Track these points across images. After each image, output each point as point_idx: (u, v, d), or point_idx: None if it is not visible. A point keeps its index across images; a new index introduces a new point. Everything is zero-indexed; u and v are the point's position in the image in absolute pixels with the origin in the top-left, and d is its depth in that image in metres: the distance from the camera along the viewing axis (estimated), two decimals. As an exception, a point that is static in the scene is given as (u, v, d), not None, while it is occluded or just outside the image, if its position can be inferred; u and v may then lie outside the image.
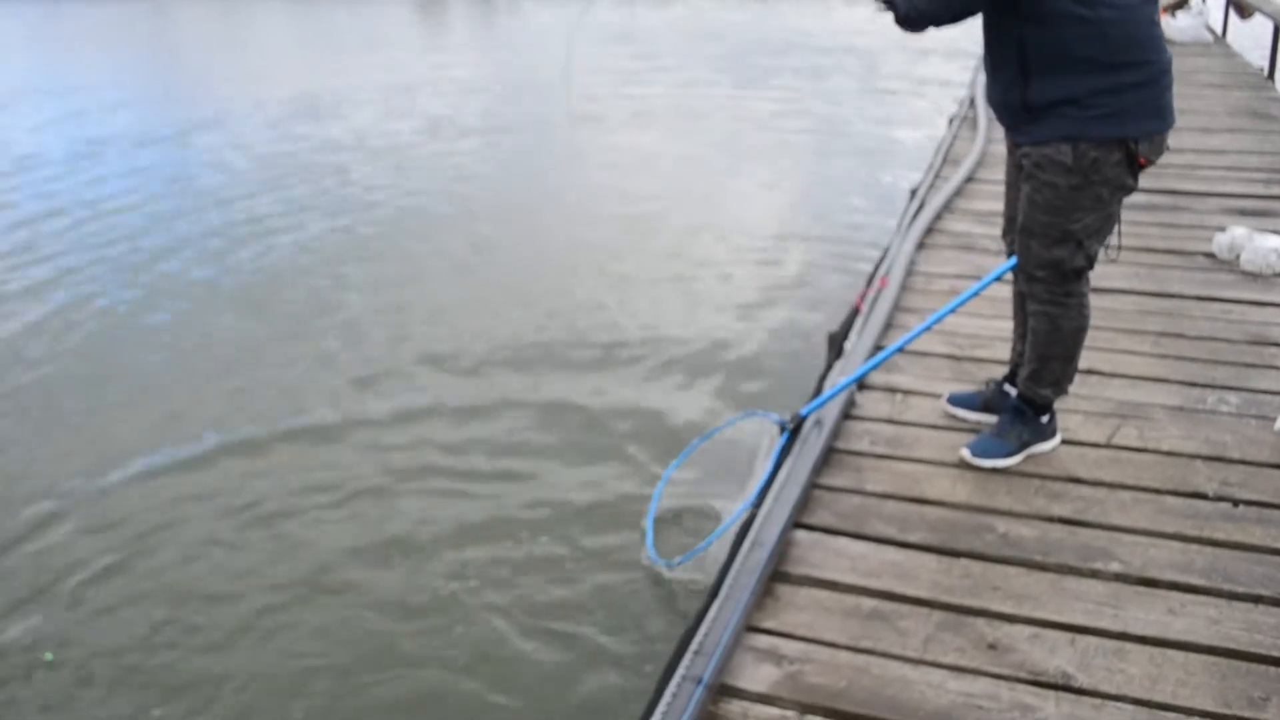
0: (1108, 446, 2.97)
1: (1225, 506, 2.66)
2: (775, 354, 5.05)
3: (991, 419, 3.06)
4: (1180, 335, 3.69)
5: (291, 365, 5.10)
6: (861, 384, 3.35)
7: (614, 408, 4.57)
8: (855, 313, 3.95)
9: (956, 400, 3.18)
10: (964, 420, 3.13)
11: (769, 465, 3.02)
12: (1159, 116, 2.54)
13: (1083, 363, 3.41)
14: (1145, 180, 5.39)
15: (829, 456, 2.96)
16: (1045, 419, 2.93)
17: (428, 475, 4.10)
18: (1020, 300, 2.96)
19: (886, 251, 4.61)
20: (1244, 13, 10.27)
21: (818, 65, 13.86)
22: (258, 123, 11.47)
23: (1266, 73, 8.48)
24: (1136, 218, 4.83)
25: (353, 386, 4.87)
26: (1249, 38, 10.71)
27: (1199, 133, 6.56)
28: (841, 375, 3.32)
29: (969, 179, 5.67)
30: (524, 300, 5.91)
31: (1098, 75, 2.45)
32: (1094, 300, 3.79)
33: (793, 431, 3.11)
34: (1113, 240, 2.78)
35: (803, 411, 3.13)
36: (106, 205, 8.11)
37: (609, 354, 5.14)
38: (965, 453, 2.90)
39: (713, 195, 8.16)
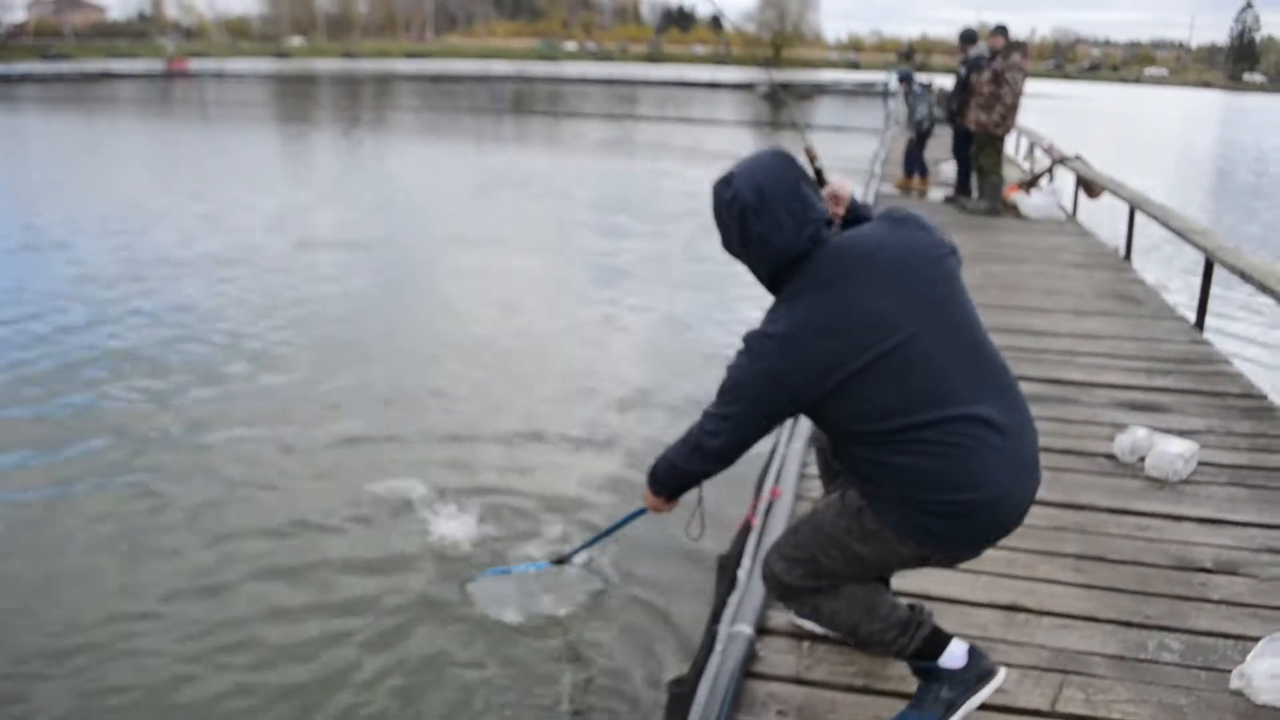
0: (1052, 715, 2.51)
1: (1202, 803, 2.21)
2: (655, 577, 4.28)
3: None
4: (1101, 558, 3.34)
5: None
6: (762, 628, 2.84)
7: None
8: (746, 529, 3.47)
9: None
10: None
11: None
12: (968, 546, 2.26)
13: (1007, 595, 3.06)
14: (1028, 368, 5.29)
15: (726, 741, 2.41)
16: (958, 661, 2.37)
17: None
18: None
19: (773, 451, 4.16)
20: (1092, 192, 10.67)
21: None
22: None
23: (1124, 254, 8.67)
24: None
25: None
26: (1090, 216, 11.15)
27: (1072, 315, 6.50)
28: (736, 618, 2.80)
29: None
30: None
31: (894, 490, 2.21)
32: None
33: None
34: None
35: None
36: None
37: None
38: (890, 733, 2.41)
39: (578, 333, 8.08)
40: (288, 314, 8.33)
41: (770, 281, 2.29)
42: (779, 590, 2.48)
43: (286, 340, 7.60)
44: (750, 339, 2.23)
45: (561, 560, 3.67)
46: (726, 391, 2.25)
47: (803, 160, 2.43)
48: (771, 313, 2.24)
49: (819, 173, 2.82)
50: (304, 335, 7.76)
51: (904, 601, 2.44)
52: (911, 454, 2.12)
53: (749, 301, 8.52)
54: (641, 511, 2.80)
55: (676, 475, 2.44)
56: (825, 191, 2.46)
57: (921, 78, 13.43)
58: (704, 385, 6.34)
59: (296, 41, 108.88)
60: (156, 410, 6.11)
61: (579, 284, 9.84)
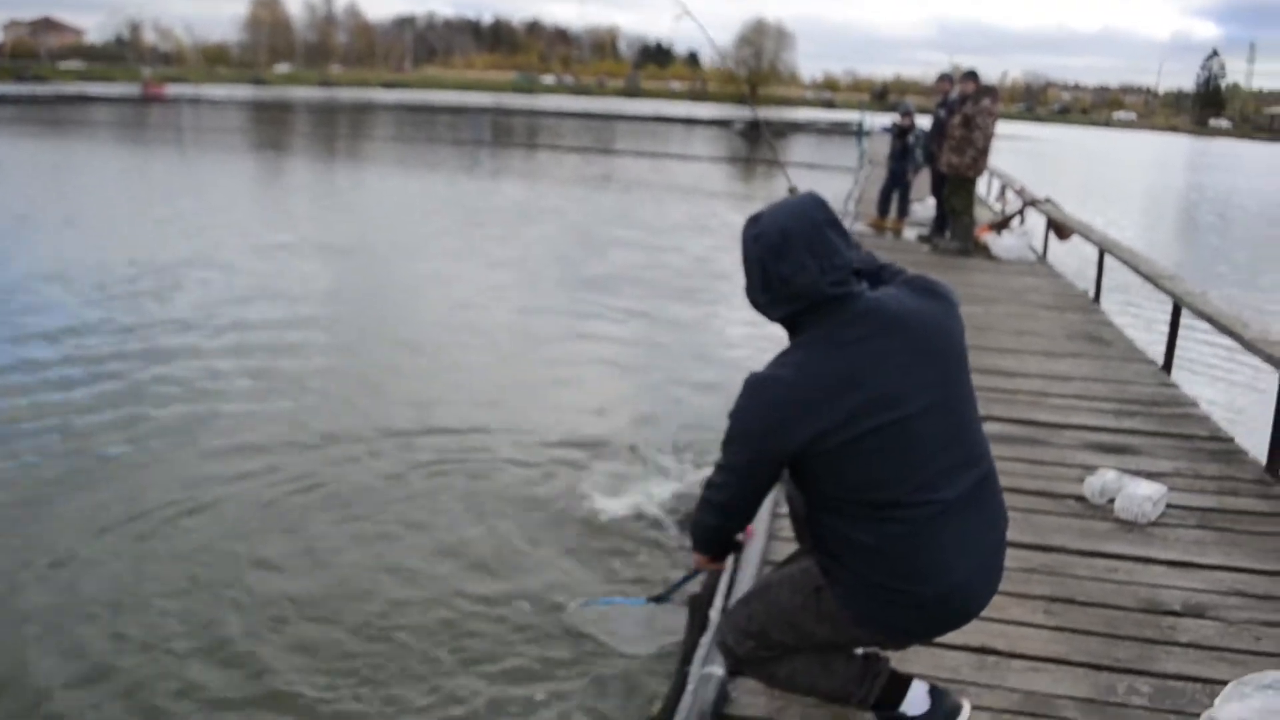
0: (1023, 760, 2.51)
1: None
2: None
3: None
4: (1071, 601, 3.35)
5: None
6: (734, 668, 2.82)
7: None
8: (718, 571, 3.46)
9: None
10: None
11: None
12: (920, 636, 2.34)
13: (978, 638, 3.05)
14: (999, 409, 5.32)
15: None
16: (921, 706, 2.39)
17: None
18: None
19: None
20: (1063, 234, 10.81)
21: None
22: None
23: (1093, 296, 8.78)
24: (998, 451, 4.58)
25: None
26: (1061, 258, 11.29)
27: (1043, 356, 6.57)
28: (708, 660, 2.79)
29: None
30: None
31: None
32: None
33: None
34: None
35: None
36: None
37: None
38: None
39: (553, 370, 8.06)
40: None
41: (789, 323, 2.21)
42: (732, 662, 2.49)
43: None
44: (755, 382, 2.14)
45: (658, 599, 3.67)
46: (730, 442, 2.19)
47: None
48: (784, 355, 2.16)
49: None
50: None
51: (859, 651, 2.44)
52: (878, 534, 2.10)
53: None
54: (696, 573, 2.79)
55: (704, 531, 2.41)
56: None
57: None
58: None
59: (283, 68, 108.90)
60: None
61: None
